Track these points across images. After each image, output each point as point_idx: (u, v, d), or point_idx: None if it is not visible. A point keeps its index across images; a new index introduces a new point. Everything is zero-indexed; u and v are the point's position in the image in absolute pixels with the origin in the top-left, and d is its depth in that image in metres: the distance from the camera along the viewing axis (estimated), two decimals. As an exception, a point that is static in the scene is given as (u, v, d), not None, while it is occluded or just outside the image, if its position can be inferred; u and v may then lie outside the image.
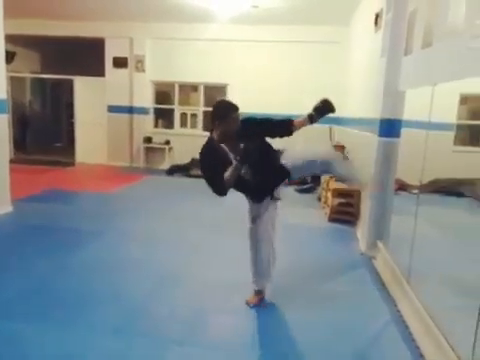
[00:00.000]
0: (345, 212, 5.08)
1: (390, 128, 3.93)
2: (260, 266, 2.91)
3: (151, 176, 8.11)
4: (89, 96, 9.15)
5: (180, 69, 8.72)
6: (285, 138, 2.81)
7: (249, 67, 8.48)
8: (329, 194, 5.30)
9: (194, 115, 9.14)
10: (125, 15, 8.04)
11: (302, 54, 8.28)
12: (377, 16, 4.70)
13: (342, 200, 5.08)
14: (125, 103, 8.95)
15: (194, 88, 9.19)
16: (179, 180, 8.01)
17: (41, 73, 10.30)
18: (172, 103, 9.17)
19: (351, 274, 3.70)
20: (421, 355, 2.40)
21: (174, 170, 8.47)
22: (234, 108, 2.63)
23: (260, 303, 2.95)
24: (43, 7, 7.62)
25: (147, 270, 3.50)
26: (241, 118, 2.65)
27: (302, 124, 2.77)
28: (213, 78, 8.69)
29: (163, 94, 9.39)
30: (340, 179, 3.93)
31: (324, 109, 2.74)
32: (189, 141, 8.78)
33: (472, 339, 2.01)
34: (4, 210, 4.92)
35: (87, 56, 9.00)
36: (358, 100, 5.98)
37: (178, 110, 9.14)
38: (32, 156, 9.30)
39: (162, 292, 3.13)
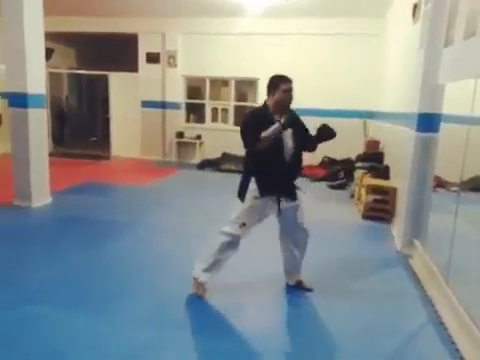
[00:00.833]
0: (380, 209, 4.96)
1: (428, 123, 3.80)
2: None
3: (183, 170, 8.22)
4: (123, 91, 9.35)
5: (211, 64, 8.75)
6: None
7: (280, 61, 8.35)
8: (363, 190, 5.19)
9: (225, 110, 9.16)
10: (158, 11, 8.14)
11: (334, 47, 8.11)
12: (415, 7, 4.53)
13: (377, 196, 4.95)
14: (158, 98, 9.09)
15: (225, 83, 9.20)
16: (210, 174, 8.07)
17: (77, 69, 10.62)
18: (203, 98, 9.23)
19: (386, 272, 3.62)
20: (461, 358, 2.32)
21: (205, 164, 8.54)
22: (286, 79, 2.77)
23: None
24: (80, 4, 7.83)
25: (178, 262, 3.55)
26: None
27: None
28: (244, 72, 8.66)
29: (194, 89, 9.46)
30: None
31: (326, 134, 2.80)
32: (220, 136, 8.83)
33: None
34: (44, 201, 5.13)
35: (121, 52, 9.20)
36: (394, 94, 5.81)
37: (209, 105, 9.20)
38: (69, 150, 9.62)
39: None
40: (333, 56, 8.15)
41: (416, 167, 3.88)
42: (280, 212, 2.83)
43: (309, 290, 3.09)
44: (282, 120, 2.61)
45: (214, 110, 9.23)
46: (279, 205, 2.80)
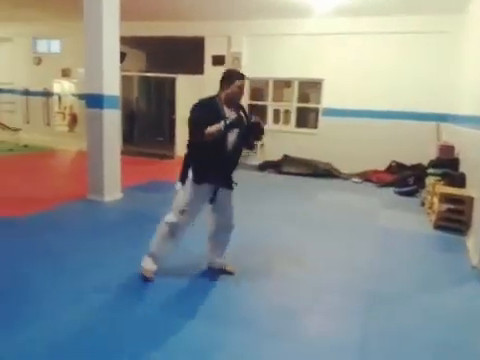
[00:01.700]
0: (454, 219, 4.61)
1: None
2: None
3: (243, 171, 8.25)
4: (189, 93, 9.57)
5: (275, 65, 8.74)
6: None
7: (345, 62, 8.15)
8: (435, 199, 4.86)
9: (287, 111, 9.10)
10: (224, 14, 8.29)
11: (403, 46, 7.71)
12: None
13: (451, 206, 4.61)
14: (222, 100, 9.22)
15: (287, 84, 9.13)
16: (271, 176, 8.04)
17: (146, 72, 11.12)
18: (265, 99, 9.22)
19: (460, 288, 3.36)
20: None
21: (266, 166, 8.53)
22: (240, 76, 2.93)
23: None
24: (151, 9, 8.20)
25: (237, 264, 3.54)
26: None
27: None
28: (308, 73, 8.54)
29: (256, 91, 9.49)
30: None
31: (253, 133, 2.92)
32: (281, 137, 8.78)
33: None
34: (116, 196, 5.45)
35: (188, 55, 9.48)
36: (473, 96, 5.37)
37: (271, 106, 9.18)
38: (138, 149, 10.10)
39: (255, 286, 3.16)
40: (402, 55, 7.76)
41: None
42: (214, 199, 2.99)
43: (230, 273, 3.25)
44: (227, 121, 2.73)
45: (276, 111, 9.20)
46: (215, 194, 2.97)
